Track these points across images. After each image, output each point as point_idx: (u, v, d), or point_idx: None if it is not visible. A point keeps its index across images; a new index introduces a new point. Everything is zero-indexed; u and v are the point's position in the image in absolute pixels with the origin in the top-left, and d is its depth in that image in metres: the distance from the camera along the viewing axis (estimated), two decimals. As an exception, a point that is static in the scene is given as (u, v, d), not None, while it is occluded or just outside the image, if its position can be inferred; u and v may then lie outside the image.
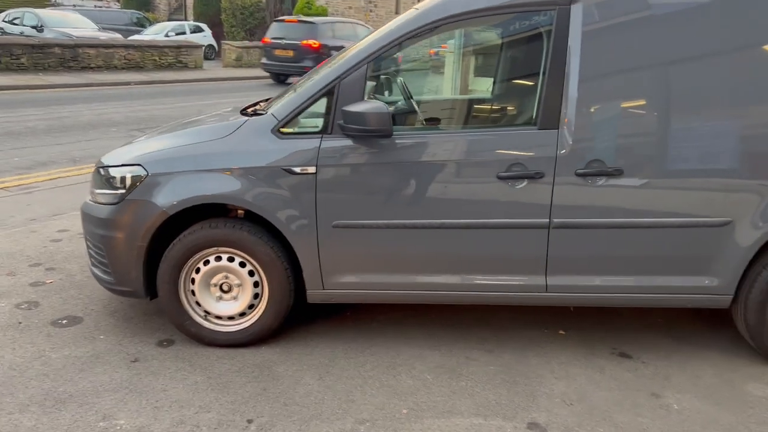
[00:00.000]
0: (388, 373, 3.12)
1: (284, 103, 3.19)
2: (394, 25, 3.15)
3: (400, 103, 3.73)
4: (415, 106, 3.72)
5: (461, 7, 3.05)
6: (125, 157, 3.32)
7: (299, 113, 3.13)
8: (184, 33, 27.83)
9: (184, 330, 3.31)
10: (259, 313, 3.29)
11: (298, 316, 3.60)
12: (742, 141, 2.98)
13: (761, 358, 3.26)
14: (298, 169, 3.07)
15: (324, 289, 3.25)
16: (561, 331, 3.59)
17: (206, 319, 3.31)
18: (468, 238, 3.12)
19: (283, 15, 29.40)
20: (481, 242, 3.12)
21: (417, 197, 3.09)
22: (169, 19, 33.69)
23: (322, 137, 3.09)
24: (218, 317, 3.31)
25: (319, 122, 3.13)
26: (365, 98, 3.06)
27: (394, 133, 3.05)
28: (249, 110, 3.57)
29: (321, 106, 3.12)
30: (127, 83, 15.93)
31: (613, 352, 3.37)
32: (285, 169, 3.08)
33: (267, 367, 3.15)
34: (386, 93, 3.90)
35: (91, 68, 16.69)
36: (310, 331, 3.53)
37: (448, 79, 3.75)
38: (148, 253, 3.22)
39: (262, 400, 2.88)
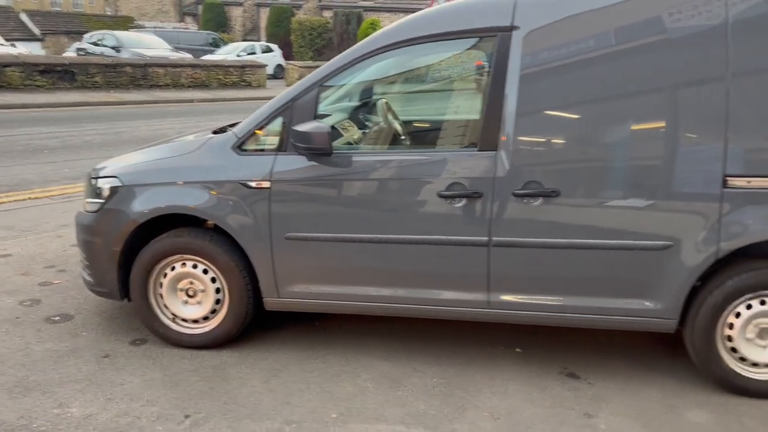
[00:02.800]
0: (331, 380, 3.27)
1: (245, 121, 3.44)
2: (346, 52, 3.34)
3: (350, 122, 3.89)
4: (367, 126, 3.90)
5: (406, 34, 3.21)
6: (108, 168, 3.66)
7: (255, 131, 3.37)
8: (254, 53, 29.07)
9: (154, 331, 3.59)
10: (221, 318, 3.52)
11: (267, 322, 3.81)
12: (680, 164, 2.97)
13: (710, 385, 3.19)
14: (253, 184, 3.31)
15: (279, 298, 3.45)
16: (518, 349, 3.63)
17: (174, 322, 3.58)
18: (412, 253, 3.24)
19: (348, 35, 30.26)
20: (425, 258, 3.24)
21: (362, 213, 3.25)
22: (243, 40, 35.27)
23: (276, 154, 3.32)
24: (184, 320, 3.57)
25: (276, 140, 3.35)
26: (314, 118, 3.27)
27: (342, 151, 3.25)
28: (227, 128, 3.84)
29: (278, 125, 3.34)
30: (191, 101, 16.85)
31: (563, 371, 3.39)
32: (242, 183, 3.32)
33: (221, 369, 3.37)
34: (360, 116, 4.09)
35: (159, 86, 17.77)
36: (273, 337, 3.73)
37: (398, 102, 3.91)
38: (124, 258, 3.52)
39: (206, 398, 3.10)
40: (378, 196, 3.24)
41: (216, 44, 31.26)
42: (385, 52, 3.24)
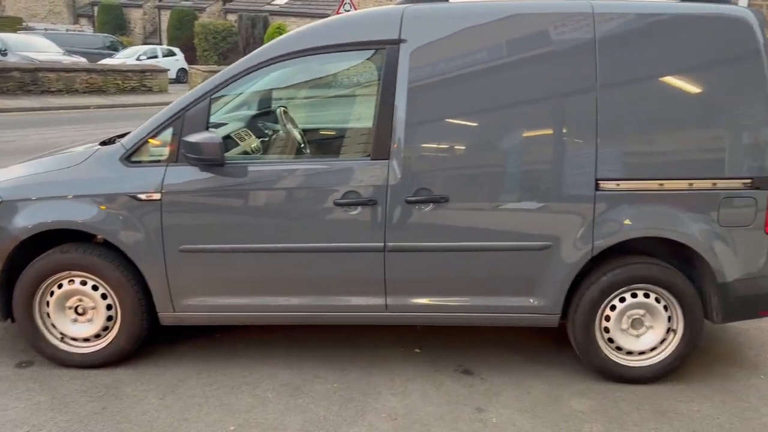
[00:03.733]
0: (231, 392, 3.25)
1: (134, 132, 3.36)
2: (238, 62, 3.33)
3: (249, 131, 3.89)
4: (266, 135, 3.92)
5: (298, 45, 3.25)
6: None
7: (146, 142, 3.29)
8: (156, 57, 28.03)
9: (41, 351, 3.43)
10: (113, 335, 3.41)
11: (165, 336, 3.72)
12: (558, 170, 3.18)
13: (591, 375, 3.43)
14: (143, 196, 3.23)
15: (175, 312, 3.39)
16: (417, 349, 3.74)
17: (63, 341, 3.43)
18: (309, 261, 3.28)
19: (254, 39, 29.81)
20: (323, 265, 3.29)
21: (257, 222, 3.25)
22: (144, 43, 33.95)
23: (167, 165, 3.26)
24: (74, 339, 3.43)
25: (166, 151, 3.29)
26: (206, 128, 3.24)
27: (237, 161, 3.25)
28: (115, 138, 3.72)
29: (168, 135, 3.28)
30: (87, 107, 16.04)
31: (458, 369, 3.53)
32: (131, 196, 3.24)
33: (115, 387, 3.27)
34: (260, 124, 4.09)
35: (51, 92, 16.80)
36: (172, 351, 3.66)
37: (295, 112, 3.96)
38: (6, 277, 3.34)
39: (98, 418, 2.99)
40: (273, 206, 3.26)
41: (114, 47, 29.89)
42: (277, 62, 3.26)
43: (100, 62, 22.97)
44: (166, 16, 35.45)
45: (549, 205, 3.19)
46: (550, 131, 3.18)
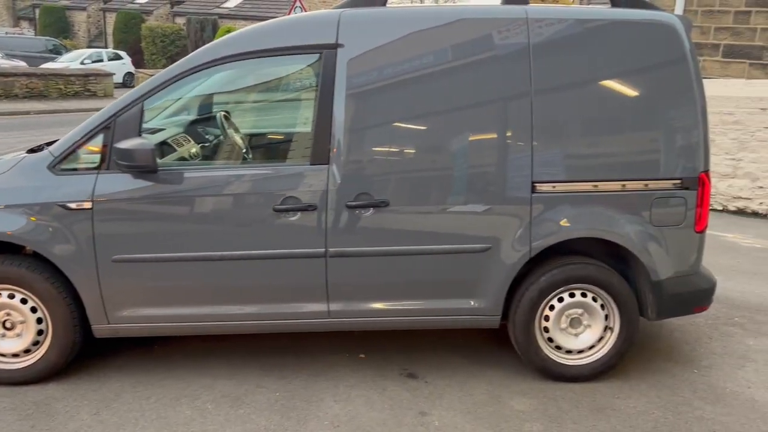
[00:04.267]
0: (169, 405, 3.16)
1: (63, 139, 3.24)
2: (172, 66, 3.26)
3: (185, 137, 3.81)
4: (207, 141, 3.84)
5: (232, 49, 3.20)
6: None
7: (76, 149, 3.19)
8: (101, 60, 27.29)
9: (-33, 369, 3.27)
10: (44, 349, 3.28)
11: (103, 349, 3.61)
12: (497, 173, 3.21)
13: (531, 374, 3.48)
14: (73, 205, 3.12)
15: (109, 324, 3.28)
16: (361, 355, 3.72)
17: (-10, 358, 3.28)
18: (249, 268, 3.23)
19: (203, 42, 29.34)
20: (263, 272, 3.23)
21: (194, 230, 3.18)
22: (89, 47, 33.02)
23: (98, 173, 3.16)
24: (2, 355, 3.28)
25: (97, 158, 3.19)
26: (139, 134, 3.16)
27: (172, 168, 3.17)
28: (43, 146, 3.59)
29: (99, 142, 3.18)
30: (27, 113, 15.49)
31: (403, 372, 3.52)
32: (60, 205, 3.12)
33: (46, 404, 3.14)
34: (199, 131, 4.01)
35: (-12, 97, 16.16)
36: (108, 364, 3.54)
37: (234, 117, 3.90)
38: None
39: (27, 437, 2.87)
40: (210, 213, 3.19)
41: (57, 51, 28.96)
42: (212, 66, 3.20)
43: (41, 66, 22.23)
44: (111, 19, 34.59)
45: (488, 207, 3.22)
46: (487, 135, 3.21)
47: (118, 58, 28.55)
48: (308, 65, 3.31)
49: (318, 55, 3.19)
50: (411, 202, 3.21)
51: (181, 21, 32.26)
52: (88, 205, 3.13)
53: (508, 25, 3.21)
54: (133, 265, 3.19)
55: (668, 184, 3.27)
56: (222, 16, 30.33)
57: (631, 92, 3.25)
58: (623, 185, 3.25)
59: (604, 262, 3.39)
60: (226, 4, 31.92)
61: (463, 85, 3.21)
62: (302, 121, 3.35)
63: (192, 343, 3.79)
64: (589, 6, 3.44)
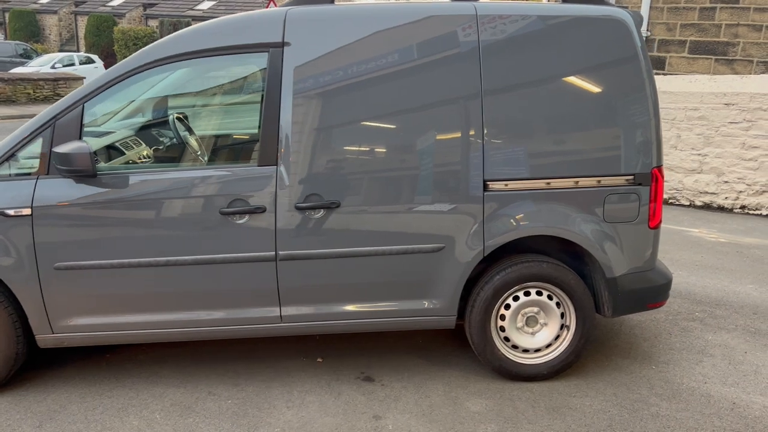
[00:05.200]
0: (116, 416, 3.08)
1: (1, 144, 3.14)
2: (115, 66, 3.17)
3: (129, 140, 3.72)
4: (159, 144, 3.75)
5: (174, 49, 3.12)
6: None
7: (13, 153, 3.09)
8: (73, 65, 26.88)
9: None
10: (-14, 361, 3.17)
11: (51, 358, 3.50)
12: (448, 172, 3.16)
13: (488, 375, 3.44)
14: (11, 212, 3.02)
15: (53, 334, 3.18)
16: (319, 359, 3.66)
17: (-70, 371, 3.16)
18: (198, 273, 3.14)
19: (177, 45, 29.00)
20: (212, 277, 3.16)
21: (140, 236, 3.09)
22: (60, 50, 32.53)
23: (38, 178, 3.06)
24: (-59, 368, 3.17)
25: (37, 163, 3.09)
26: (82, 137, 3.06)
27: (115, 171, 3.09)
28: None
29: (38, 146, 3.08)
30: (-7, 118, 15.16)
31: (360, 376, 3.47)
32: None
33: (-14, 418, 3.04)
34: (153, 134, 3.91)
35: (-46, 103, 15.80)
36: (56, 375, 3.44)
37: (179, 118, 3.81)
38: None
39: (-37, 454, 2.77)
40: (156, 217, 3.10)
41: (28, 55, 28.48)
42: (156, 66, 3.11)
43: (11, 70, 21.83)
44: (83, 23, 34.10)
45: (440, 207, 3.18)
46: (438, 135, 3.16)
47: (90, 61, 28.13)
48: (255, 65, 3.24)
49: (264, 54, 3.13)
50: (362, 202, 3.16)
51: (153, 24, 31.95)
52: (27, 211, 3.03)
53: (457, 22, 3.17)
54: (76, 273, 3.09)
55: (621, 180, 3.25)
56: (195, 18, 30.06)
57: (582, 89, 3.23)
58: (576, 182, 3.23)
59: (559, 260, 3.37)
60: (200, 6, 31.65)
61: (412, 85, 3.16)
62: (250, 122, 3.27)
63: (143, 351, 3.70)
64: (541, 2, 3.40)
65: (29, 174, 3.08)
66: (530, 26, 3.19)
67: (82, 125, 3.08)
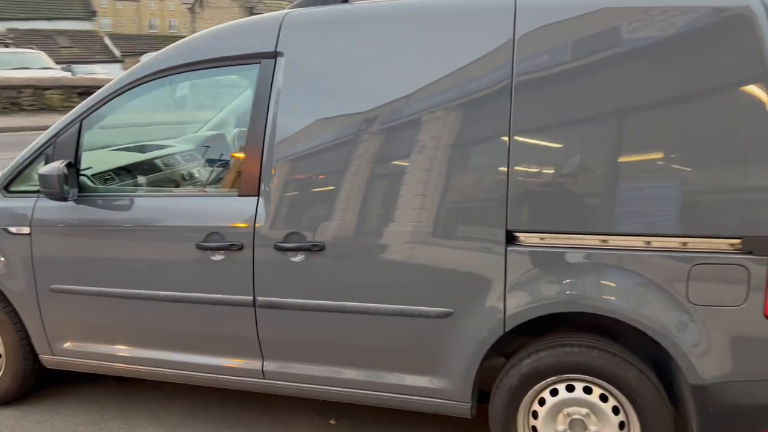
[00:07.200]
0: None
1: (15, 159, 3.13)
2: (111, 82, 2.97)
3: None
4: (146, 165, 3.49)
5: (163, 64, 2.82)
6: None
7: (21, 171, 3.05)
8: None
9: None
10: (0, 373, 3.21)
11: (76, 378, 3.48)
12: (459, 217, 2.41)
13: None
14: (14, 230, 3.00)
15: (53, 356, 3.11)
16: (332, 420, 3.12)
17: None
18: (175, 311, 2.82)
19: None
20: (189, 317, 2.81)
21: (119, 264, 2.86)
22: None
23: (38, 197, 2.98)
24: (-36, 375, 3.27)
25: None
26: (79, 155, 2.92)
27: (92, 195, 2.93)
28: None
29: (42, 165, 3.00)
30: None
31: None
32: (4, 229, 3.01)
33: (-17, 434, 3.05)
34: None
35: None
36: (70, 395, 3.38)
37: (157, 140, 3.48)
38: None
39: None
40: (135, 247, 2.84)
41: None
42: (145, 82, 2.84)
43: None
44: None
45: (448, 261, 2.43)
46: (448, 167, 2.42)
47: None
48: (246, 78, 2.81)
49: (254, 66, 2.68)
50: (351, 247, 2.55)
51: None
52: (26, 230, 2.98)
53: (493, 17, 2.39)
54: (66, 297, 2.97)
55: (721, 243, 2.19)
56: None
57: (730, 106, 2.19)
58: (647, 242, 2.25)
59: (631, 345, 2.40)
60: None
61: (421, 101, 2.46)
62: (234, 144, 2.86)
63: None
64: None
65: (32, 192, 3.02)
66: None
67: (78, 143, 2.93)
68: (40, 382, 3.33)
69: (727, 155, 2.17)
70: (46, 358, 3.13)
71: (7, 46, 26.16)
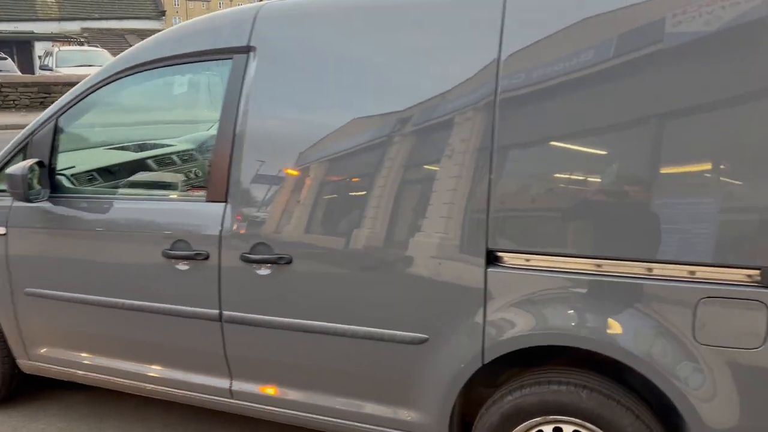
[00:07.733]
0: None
1: (-5, 158, 3.04)
2: (84, 80, 2.83)
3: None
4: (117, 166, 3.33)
5: (134, 60, 2.66)
6: None
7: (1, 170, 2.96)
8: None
9: None
10: (-20, 375, 3.14)
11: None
12: (435, 234, 2.15)
13: None
14: (-9, 230, 2.91)
15: (30, 360, 3.01)
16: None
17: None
18: (142, 322, 2.67)
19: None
20: (157, 329, 2.65)
21: (88, 270, 2.73)
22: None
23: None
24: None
25: (20, 180, 2.92)
26: (55, 154, 2.80)
27: (63, 196, 2.80)
28: None
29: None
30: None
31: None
32: (-18, 229, 2.93)
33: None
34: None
35: None
36: (58, 400, 3.28)
37: (128, 139, 3.30)
38: None
39: None
40: (104, 252, 2.69)
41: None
42: (115, 80, 2.69)
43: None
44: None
45: (422, 281, 2.18)
46: (424, 177, 2.17)
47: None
48: (218, 75, 2.62)
49: (226, 62, 2.48)
50: (319, 261, 2.32)
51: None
52: (2, 231, 2.88)
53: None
54: (39, 300, 2.86)
55: (736, 274, 1.85)
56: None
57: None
58: (649, 269, 1.93)
59: (621, 380, 2.08)
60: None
61: (400, 100, 2.21)
62: (205, 146, 2.66)
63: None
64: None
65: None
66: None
67: (54, 142, 2.81)
68: (24, 387, 3.25)
69: (745, 167, 1.84)
70: (23, 363, 3.04)
71: (81, 44, 27.16)
